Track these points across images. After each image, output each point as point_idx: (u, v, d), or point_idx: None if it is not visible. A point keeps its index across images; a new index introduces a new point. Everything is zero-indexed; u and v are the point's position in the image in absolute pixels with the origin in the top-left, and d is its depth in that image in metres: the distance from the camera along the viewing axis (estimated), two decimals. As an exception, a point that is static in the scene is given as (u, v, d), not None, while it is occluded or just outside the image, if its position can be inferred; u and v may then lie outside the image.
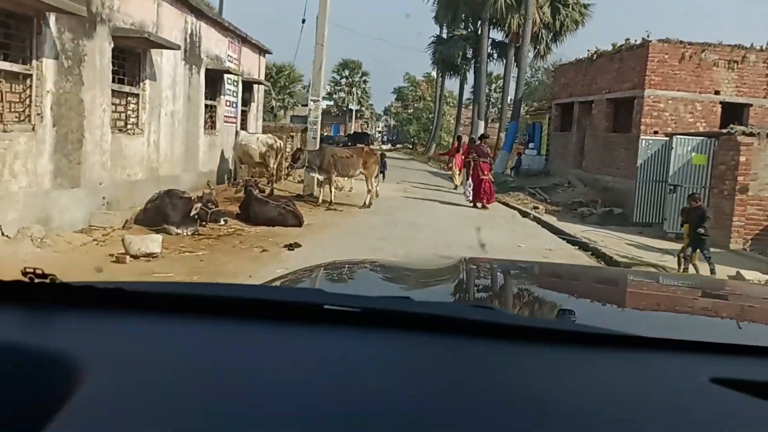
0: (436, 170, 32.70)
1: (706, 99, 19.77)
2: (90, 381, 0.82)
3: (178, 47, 12.02)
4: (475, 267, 2.40)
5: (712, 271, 10.85)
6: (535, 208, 19.93)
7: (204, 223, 10.09)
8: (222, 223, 9.98)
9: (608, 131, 22.32)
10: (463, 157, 22.99)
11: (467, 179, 18.67)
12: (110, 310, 1.06)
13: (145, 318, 1.06)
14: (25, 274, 1.04)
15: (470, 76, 41.51)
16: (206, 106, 15.47)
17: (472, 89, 52.46)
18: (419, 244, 10.72)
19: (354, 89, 71.38)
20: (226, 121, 16.96)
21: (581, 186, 23.39)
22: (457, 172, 23.69)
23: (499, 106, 58.11)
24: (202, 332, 1.03)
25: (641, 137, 18.68)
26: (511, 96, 32.94)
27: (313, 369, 0.92)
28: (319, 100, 16.40)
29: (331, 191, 14.94)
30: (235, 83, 17.53)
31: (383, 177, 23.51)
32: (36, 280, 1.04)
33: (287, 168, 15.91)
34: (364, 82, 71.53)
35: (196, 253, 8.89)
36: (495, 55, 37.72)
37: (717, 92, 19.78)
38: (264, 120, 46.77)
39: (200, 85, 14.64)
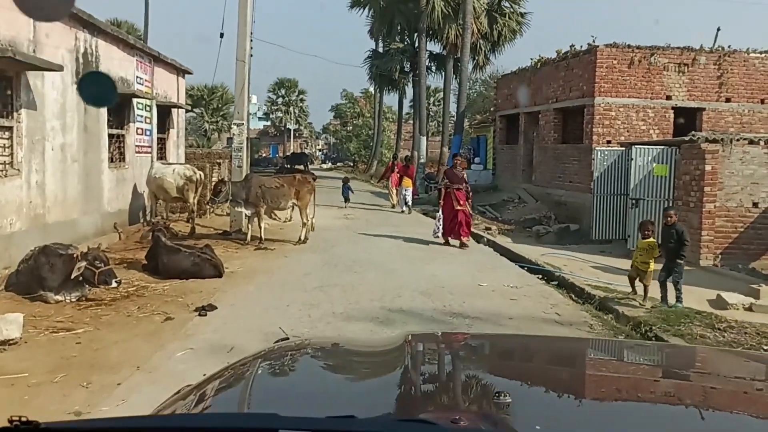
0: (379, 190, 30.96)
1: (658, 105, 18.61)
2: None
3: (60, 68, 9.88)
4: (420, 351, 2.21)
5: (678, 299, 9.32)
6: (488, 229, 18.35)
7: (95, 283, 7.98)
8: (114, 285, 7.91)
9: (558, 142, 21.01)
10: (398, 175, 22.27)
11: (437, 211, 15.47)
12: None
13: None
14: (10, 421, 1.00)
15: (409, 90, 40.02)
16: (111, 136, 13.30)
17: (411, 104, 51.16)
18: (363, 294, 8.81)
19: (291, 108, 69.41)
20: (138, 152, 14.79)
21: (532, 201, 22.00)
22: (394, 192, 22.78)
23: (440, 120, 57.00)
24: None
25: (596, 148, 17.33)
26: (452, 109, 31.57)
27: None
28: (243, 123, 14.39)
29: (260, 227, 12.94)
30: (148, 108, 15.38)
31: (347, 201, 22.21)
32: (21, 427, 0.99)
33: (207, 203, 13.86)
34: (301, 100, 69.62)
35: (75, 331, 6.79)
36: (433, 68, 36.25)
37: (669, 97, 18.64)
38: (196, 145, 44.44)
39: (100, 111, 12.48)
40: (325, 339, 2.49)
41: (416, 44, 34.02)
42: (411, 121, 54.88)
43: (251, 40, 31.45)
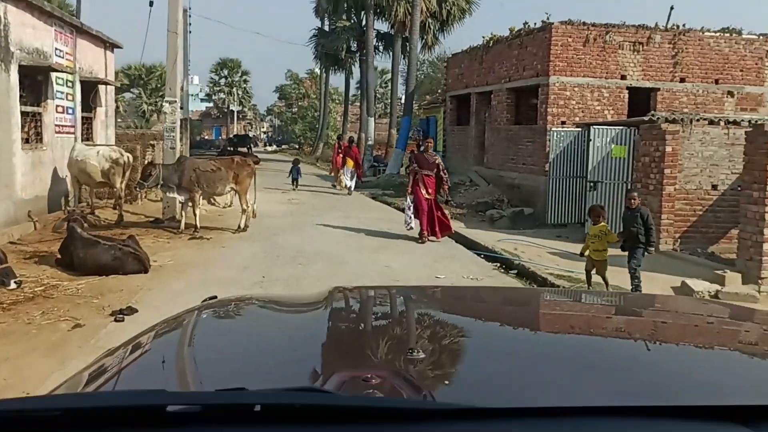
0: (325, 173, 29.88)
1: (612, 84, 18.03)
2: None
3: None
4: (341, 306, 2.16)
5: (637, 287, 8.74)
6: (440, 213, 17.53)
7: (-9, 284, 6.75)
8: (12, 286, 6.69)
9: (510, 123, 20.30)
10: (340, 155, 22.11)
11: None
12: None
13: None
14: None
15: (356, 71, 38.74)
16: (25, 114, 11.86)
17: (358, 85, 49.95)
18: (308, 290, 7.83)
19: (234, 89, 67.23)
20: (58, 132, 13.35)
21: (484, 184, 21.30)
22: (340, 173, 22.42)
23: (387, 102, 55.94)
24: None
25: (551, 129, 16.67)
26: (399, 91, 30.66)
27: None
28: (176, 101, 13.08)
29: (195, 214, 11.75)
30: (70, 83, 13.91)
31: (296, 184, 21.81)
32: None
33: (135, 188, 12.54)
34: (245, 81, 67.44)
35: (-40, 344, 5.61)
36: (381, 48, 35.13)
37: (623, 77, 18.08)
38: (134, 126, 42.28)
39: (10, 86, 11.04)
40: (251, 297, 2.37)
41: (363, 22, 32.93)
42: (357, 103, 53.75)
43: (189, 15, 29.75)
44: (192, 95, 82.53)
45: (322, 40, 35.11)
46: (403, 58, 34.34)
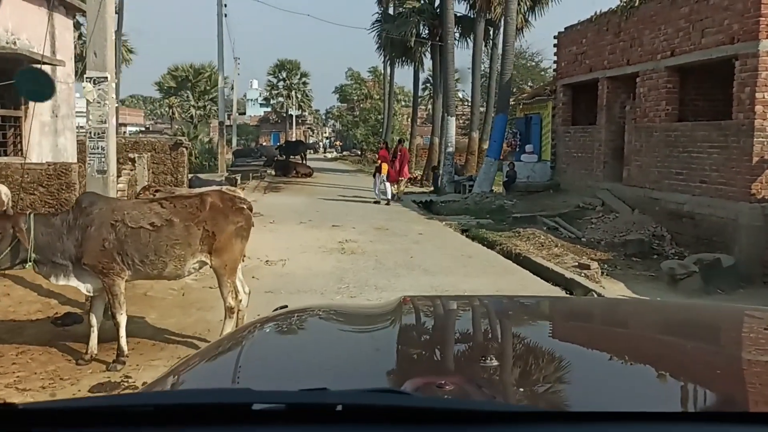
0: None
1: None
2: None
3: None
4: (413, 314, 2.09)
5: None
6: (582, 267, 10.33)
7: None
8: None
9: (672, 119, 12.97)
10: (379, 163, 18.08)
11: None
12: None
13: None
14: None
15: (427, 63, 31.56)
16: None
17: (425, 84, 43.00)
18: None
19: (293, 92, 61.31)
20: None
21: (626, 210, 13.99)
22: (392, 186, 18.05)
23: (458, 101, 48.60)
24: None
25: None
26: (485, 85, 23.50)
27: None
28: (106, 79, 6.39)
29: (118, 324, 5.09)
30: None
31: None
32: None
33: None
34: (304, 83, 61.43)
35: None
36: (457, 34, 28.09)
37: None
38: (181, 133, 36.18)
39: None
40: (322, 306, 2.32)
41: (437, 2, 26.08)
42: (424, 106, 46.72)
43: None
44: (251, 100, 77.31)
45: (387, 26, 28.12)
46: (485, 46, 27.33)
